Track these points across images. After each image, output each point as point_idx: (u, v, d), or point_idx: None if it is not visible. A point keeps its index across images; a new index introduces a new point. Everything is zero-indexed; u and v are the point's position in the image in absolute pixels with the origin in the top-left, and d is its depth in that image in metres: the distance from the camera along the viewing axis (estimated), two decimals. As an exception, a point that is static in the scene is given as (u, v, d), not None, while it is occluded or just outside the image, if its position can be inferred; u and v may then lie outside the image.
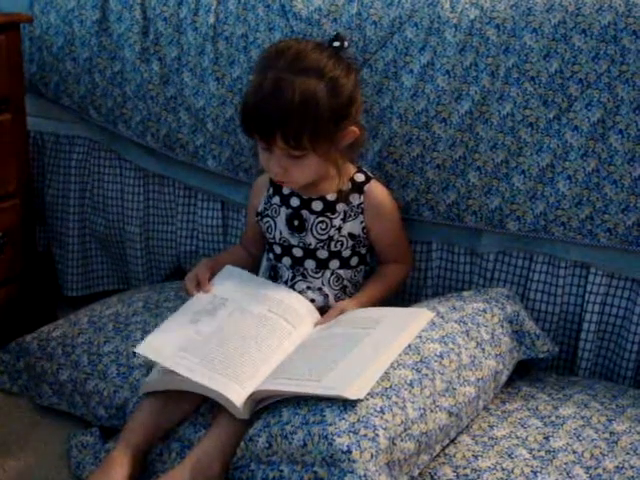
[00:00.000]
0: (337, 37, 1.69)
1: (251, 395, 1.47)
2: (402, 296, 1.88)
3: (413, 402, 1.41)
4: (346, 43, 1.69)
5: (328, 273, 1.75)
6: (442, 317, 1.60)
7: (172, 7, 1.97)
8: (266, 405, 1.47)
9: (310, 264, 1.75)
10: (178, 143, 2.02)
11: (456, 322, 1.59)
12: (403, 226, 1.80)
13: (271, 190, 1.78)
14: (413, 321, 1.57)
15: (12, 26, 1.89)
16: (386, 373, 1.44)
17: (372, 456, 1.32)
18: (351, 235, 1.74)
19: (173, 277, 2.11)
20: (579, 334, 1.78)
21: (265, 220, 1.78)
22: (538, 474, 1.42)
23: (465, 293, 1.73)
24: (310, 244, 1.74)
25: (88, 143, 2.13)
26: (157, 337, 1.58)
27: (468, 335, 1.57)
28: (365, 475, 1.30)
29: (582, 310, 1.77)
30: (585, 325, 1.76)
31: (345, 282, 1.76)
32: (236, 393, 1.48)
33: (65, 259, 2.16)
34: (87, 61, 2.04)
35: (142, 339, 1.72)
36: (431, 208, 1.83)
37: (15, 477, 1.59)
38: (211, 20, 1.93)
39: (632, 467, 1.44)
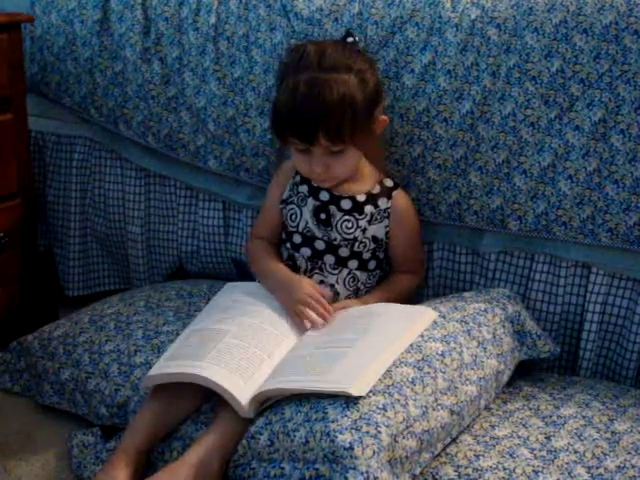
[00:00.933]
0: (349, 33, 1.74)
1: (256, 395, 1.47)
2: (403, 296, 1.88)
3: (415, 400, 1.41)
4: (357, 38, 1.75)
5: (345, 272, 1.75)
6: (444, 317, 1.60)
7: (173, 7, 1.97)
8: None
9: (329, 259, 1.75)
10: (179, 143, 2.02)
11: (458, 322, 1.59)
12: (421, 240, 1.81)
13: (298, 178, 1.78)
14: (417, 320, 1.58)
15: (13, 26, 1.89)
16: (388, 371, 1.44)
17: (374, 453, 1.32)
18: (374, 238, 1.75)
19: (174, 277, 2.11)
20: (580, 334, 1.77)
21: (289, 207, 1.78)
22: (540, 474, 1.42)
23: (466, 293, 1.73)
24: (335, 239, 1.74)
25: (89, 143, 2.13)
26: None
27: (470, 334, 1.57)
28: (367, 472, 1.30)
29: (583, 310, 1.77)
30: (586, 325, 1.76)
31: (359, 284, 1.76)
32: (243, 391, 1.48)
33: (66, 259, 2.16)
34: (88, 61, 2.04)
35: (143, 338, 1.73)
36: (432, 208, 1.83)
37: (16, 477, 1.59)
38: (212, 20, 1.93)
39: (634, 467, 1.44)
